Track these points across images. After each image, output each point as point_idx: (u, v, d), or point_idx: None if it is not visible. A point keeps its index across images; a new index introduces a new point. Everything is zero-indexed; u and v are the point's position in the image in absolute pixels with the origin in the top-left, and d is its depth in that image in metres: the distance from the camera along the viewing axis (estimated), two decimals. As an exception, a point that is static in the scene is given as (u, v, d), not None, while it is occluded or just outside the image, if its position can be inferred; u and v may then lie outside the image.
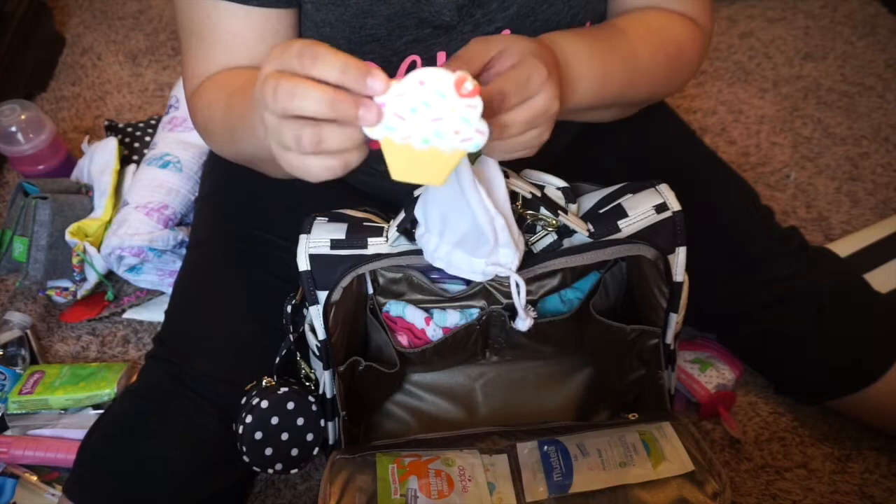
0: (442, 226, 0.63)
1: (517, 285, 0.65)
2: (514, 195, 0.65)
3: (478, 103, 0.48)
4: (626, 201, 0.72)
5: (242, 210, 0.88)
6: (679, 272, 0.73)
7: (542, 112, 0.56)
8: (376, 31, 0.70)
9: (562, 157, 0.88)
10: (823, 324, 0.86)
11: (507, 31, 0.72)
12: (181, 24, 0.75)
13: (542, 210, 0.68)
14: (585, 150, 0.91)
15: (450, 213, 0.61)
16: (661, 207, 0.71)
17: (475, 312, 0.80)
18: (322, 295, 0.70)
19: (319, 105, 0.46)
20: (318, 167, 0.50)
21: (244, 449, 0.75)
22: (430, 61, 0.72)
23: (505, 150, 0.57)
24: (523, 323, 0.68)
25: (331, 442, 0.81)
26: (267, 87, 0.48)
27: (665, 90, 0.82)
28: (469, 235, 0.62)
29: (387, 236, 0.69)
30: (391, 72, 0.72)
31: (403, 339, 0.80)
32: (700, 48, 0.79)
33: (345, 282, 0.69)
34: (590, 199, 0.74)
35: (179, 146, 1.17)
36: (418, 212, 0.65)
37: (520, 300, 0.65)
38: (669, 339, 0.78)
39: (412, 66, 0.72)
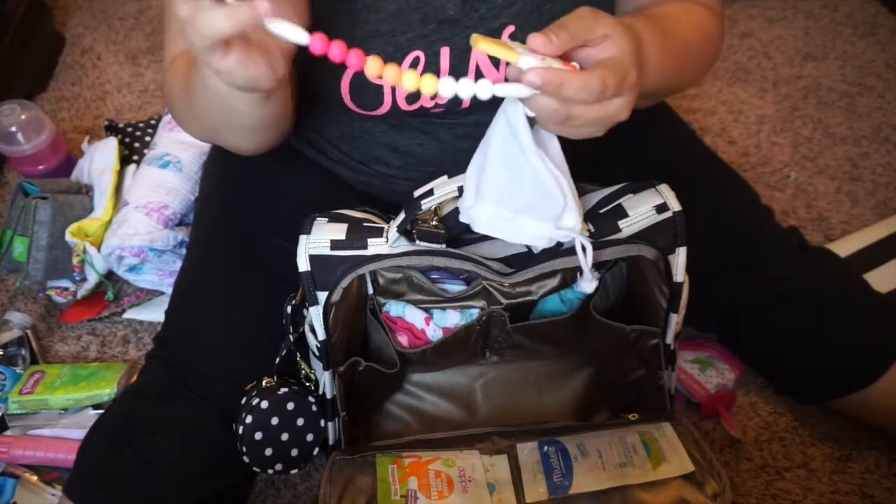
0: (500, 194, 0.62)
1: (583, 247, 0.64)
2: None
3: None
4: (627, 201, 0.72)
5: (242, 210, 0.88)
6: (679, 272, 0.73)
7: (612, 116, 0.57)
8: (380, 26, 0.70)
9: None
10: (823, 324, 0.86)
11: (511, 28, 0.72)
12: (168, 8, 0.75)
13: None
14: (586, 151, 0.91)
15: (509, 180, 0.61)
16: (661, 208, 0.71)
17: (475, 313, 0.80)
18: (322, 295, 0.70)
19: (225, 22, 0.49)
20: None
21: (244, 449, 0.75)
22: (433, 57, 0.72)
23: (558, 133, 0.59)
24: (589, 285, 0.66)
25: (331, 442, 0.81)
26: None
27: (697, 79, 0.83)
28: (534, 200, 0.62)
29: (387, 237, 0.69)
30: None
31: (403, 340, 0.80)
32: (722, 35, 0.81)
33: (345, 282, 0.69)
34: (590, 199, 0.74)
35: (179, 146, 1.17)
36: (468, 182, 0.64)
37: (587, 262, 0.64)
38: (669, 339, 0.78)
39: (415, 63, 0.72)
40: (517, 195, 0.62)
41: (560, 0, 0.72)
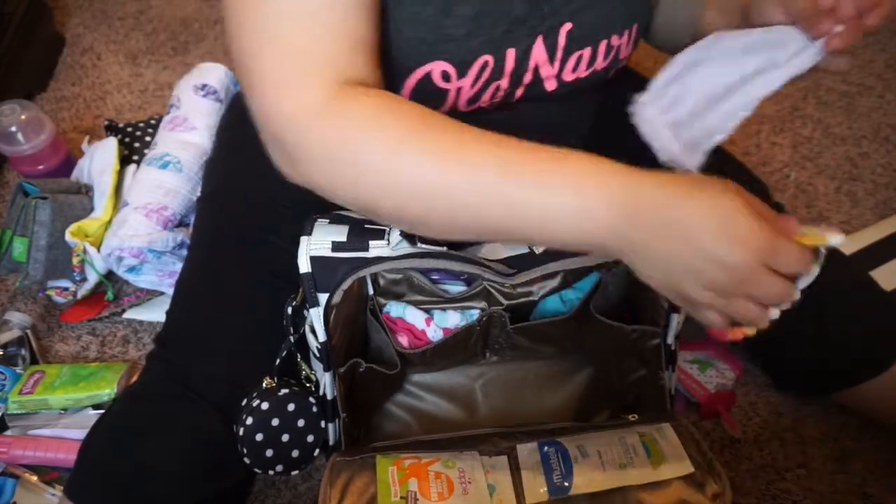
0: (672, 101, 0.67)
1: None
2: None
3: None
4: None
5: (244, 211, 0.88)
6: (681, 272, 0.73)
7: None
8: (454, 31, 0.68)
9: None
10: (826, 319, 0.86)
11: (569, 25, 0.72)
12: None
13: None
14: (595, 149, 0.92)
15: (695, 94, 0.66)
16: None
17: (475, 313, 0.80)
18: (323, 297, 0.70)
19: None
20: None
21: (245, 451, 0.75)
22: (500, 61, 0.71)
23: None
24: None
25: (331, 443, 0.80)
26: (753, 278, 0.54)
27: None
28: (679, 120, 0.67)
29: (388, 239, 0.69)
30: (461, 72, 0.71)
31: (404, 340, 0.80)
32: None
33: (345, 284, 0.69)
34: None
35: (180, 146, 1.17)
36: (662, 74, 0.69)
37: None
38: (670, 339, 0.78)
39: (483, 68, 0.71)
40: (680, 110, 0.67)
41: (611, 0, 0.73)
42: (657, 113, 0.69)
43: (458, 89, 0.71)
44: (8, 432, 0.98)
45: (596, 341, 0.83)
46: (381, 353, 0.81)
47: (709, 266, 0.53)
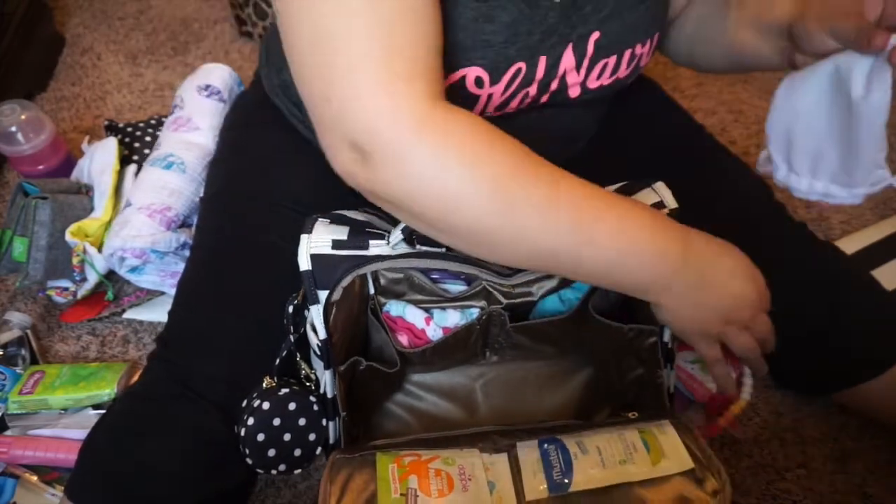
0: (813, 163, 0.68)
1: None
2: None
3: None
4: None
5: (246, 211, 0.88)
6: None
7: None
8: (493, 37, 0.68)
9: (578, 157, 0.88)
10: (827, 319, 0.86)
11: (597, 34, 0.73)
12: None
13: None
14: (603, 149, 0.92)
15: (824, 146, 0.65)
16: (657, 206, 0.71)
17: (475, 312, 0.80)
18: (323, 294, 0.70)
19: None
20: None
21: (247, 451, 0.75)
22: (532, 68, 0.71)
23: None
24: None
25: (331, 442, 0.80)
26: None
27: None
28: (840, 168, 0.67)
29: (388, 239, 0.69)
30: (495, 79, 0.71)
31: (404, 339, 0.80)
32: None
33: (345, 281, 0.69)
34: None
35: (183, 147, 1.17)
36: (775, 152, 0.69)
37: None
38: (667, 337, 0.78)
39: (516, 75, 0.71)
40: (828, 163, 0.67)
41: (634, 8, 0.74)
42: (810, 180, 0.70)
43: (490, 95, 0.72)
44: (8, 432, 0.98)
45: (595, 341, 0.83)
46: (382, 352, 0.81)
47: (734, 303, 0.67)
